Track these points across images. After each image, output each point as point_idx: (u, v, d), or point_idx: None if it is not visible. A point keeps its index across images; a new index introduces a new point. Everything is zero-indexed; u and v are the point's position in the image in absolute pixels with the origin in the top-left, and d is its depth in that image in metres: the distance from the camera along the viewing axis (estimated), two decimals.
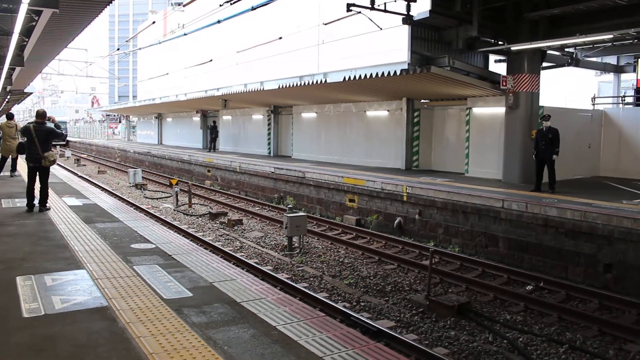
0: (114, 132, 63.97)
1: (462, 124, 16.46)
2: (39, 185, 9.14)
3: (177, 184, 19.08)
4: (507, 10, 13.68)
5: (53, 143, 9.76)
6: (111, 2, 10.08)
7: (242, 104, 26.60)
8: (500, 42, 14.35)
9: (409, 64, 14.53)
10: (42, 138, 8.83)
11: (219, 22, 19.13)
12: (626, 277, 8.63)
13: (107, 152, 41.69)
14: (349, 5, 13.09)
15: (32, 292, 4.78)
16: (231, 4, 14.37)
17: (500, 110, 14.61)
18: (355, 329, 6.26)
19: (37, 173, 9.05)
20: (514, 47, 13.17)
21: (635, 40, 15.69)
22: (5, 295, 4.73)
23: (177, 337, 3.88)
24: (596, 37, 12.31)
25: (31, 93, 42.13)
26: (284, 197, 17.45)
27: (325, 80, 17.43)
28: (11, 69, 19.37)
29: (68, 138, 29.89)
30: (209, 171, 23.32)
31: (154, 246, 6.86)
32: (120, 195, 18.13)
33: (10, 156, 14.62)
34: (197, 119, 33.49)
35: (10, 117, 14.70)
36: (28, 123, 9.34)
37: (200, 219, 15.00)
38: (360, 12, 13.30)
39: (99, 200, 11.22)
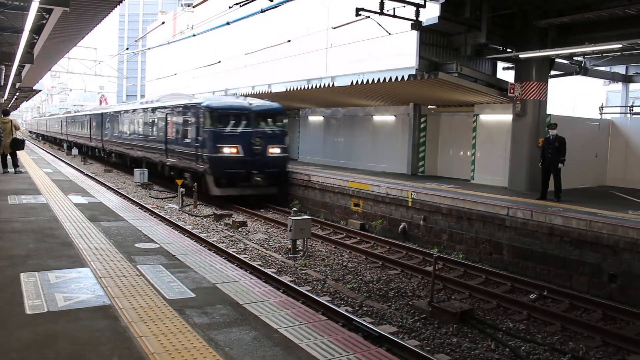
0: None
1: (468, 131, 16.42)
2: None
3: (182, 184, 19.07)
4: (516, 18, 13.65)
5: None
6: (121, 2, 10.15)
7: None
8: (508, 50, 14.31)
9: (416, 69, 14.49)
10: None
11: (228, 23, 19.16)
12: (631, 287, 8.58)
13: None
14: (358, 10, 13.09)
15: (36, 289, 4.79)
16: (240, 6, 14.40)
17: (508, 117, 14.57)
18: (357, 333, 6.25)
19: None
20: (523, 55, 13.14)
21: None
22: (9, 291, 4.74)
23: (178, 338, 3.88)
24: (605, 46, 12.27)
25: (40, 90, 42.36)
26: (289, 200, 17.45)
27: (333, 84, 17.44)
28: (21, 66, 19.51)
29: None
30: None
31: (158, 246, 6.86)
32: (125, 194, 18.18)
33: (8, 152, 14.49)
34: None
35: (6, 113, 14.60)
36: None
37: (204, 219, 15.02)
38: (369, 17, 13.31)
39: (105, 198, 11.25)
